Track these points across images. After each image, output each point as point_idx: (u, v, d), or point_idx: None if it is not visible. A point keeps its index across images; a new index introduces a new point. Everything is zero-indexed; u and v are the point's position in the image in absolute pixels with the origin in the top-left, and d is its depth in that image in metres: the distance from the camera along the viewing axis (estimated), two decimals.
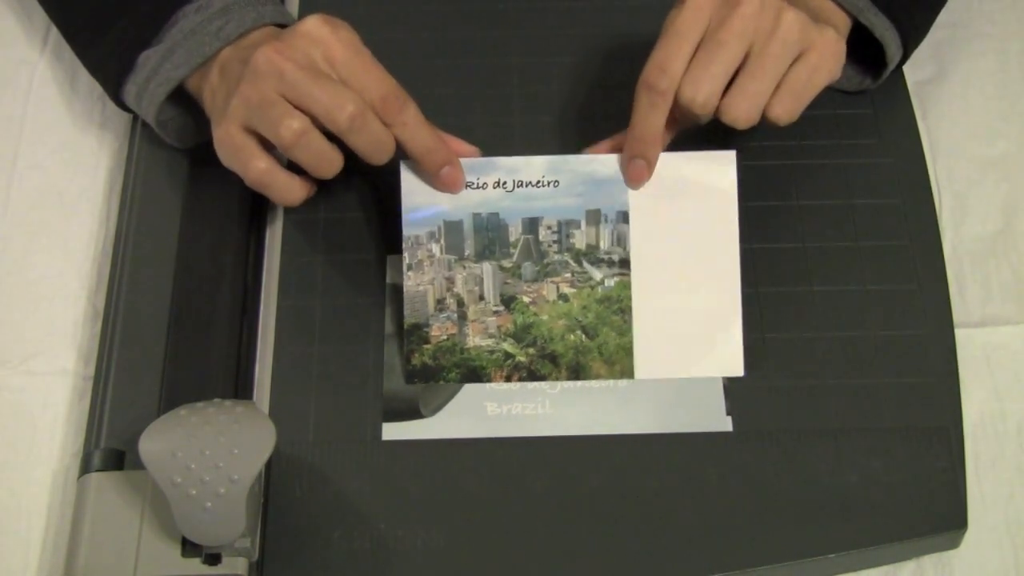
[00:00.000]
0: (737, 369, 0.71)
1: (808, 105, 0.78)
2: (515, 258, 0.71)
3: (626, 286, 0.71)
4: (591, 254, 0.71)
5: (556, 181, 0.71)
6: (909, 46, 0.75)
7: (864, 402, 0.70)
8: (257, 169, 0.69)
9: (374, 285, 0.74)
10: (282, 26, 0.73)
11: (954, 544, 0.69)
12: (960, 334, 0.73)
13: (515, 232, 0.71)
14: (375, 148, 0.68)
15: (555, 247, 0.71)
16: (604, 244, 0.71)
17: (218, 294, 0.72)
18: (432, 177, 0.70)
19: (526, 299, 0.71)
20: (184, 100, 0.74)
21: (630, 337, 0.71)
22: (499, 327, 0.71)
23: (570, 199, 0.71)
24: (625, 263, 0.71)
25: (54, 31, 0.86)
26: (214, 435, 0.60)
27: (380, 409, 0.70)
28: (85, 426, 0.70)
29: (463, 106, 0.80)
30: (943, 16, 0.81)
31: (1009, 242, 0.77)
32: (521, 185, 0.71)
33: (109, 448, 0.67)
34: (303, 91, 0.67)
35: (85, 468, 0.67)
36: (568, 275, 0.71)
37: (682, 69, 0.67)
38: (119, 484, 0.66)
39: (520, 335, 0.71)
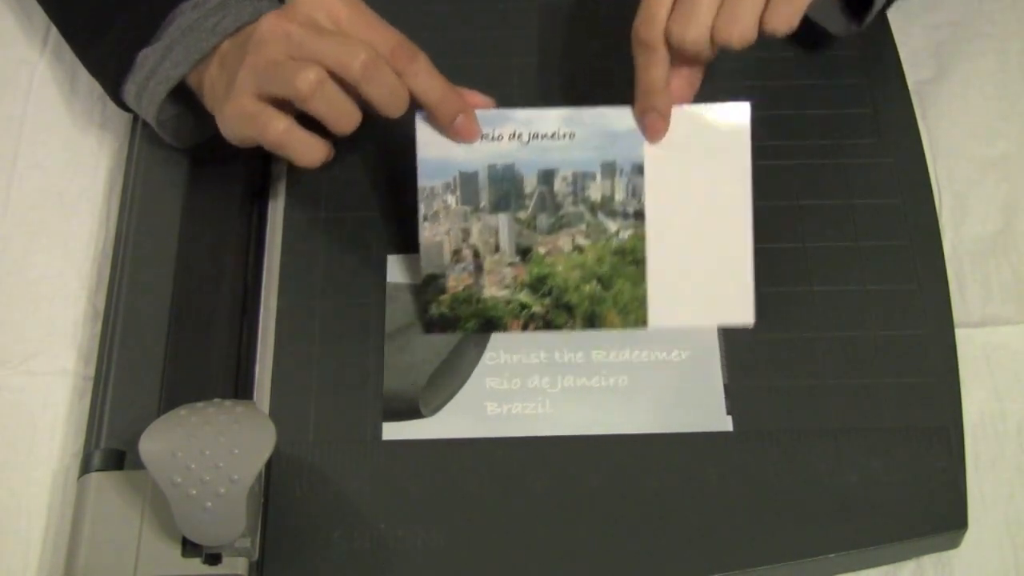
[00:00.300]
0: (747, 317, 0.72)
1: (808, 105, 0.79)
2: (530, 210, 0.72)
3: (640, 238, 0.71)
4: (606, 206, 0.71)
5: (572, 133, 0.71)
6: None
7: (864, 402, 0.70)
8: (276, 130, 0.68)
9: (374, 285, 0.74)
10: None
11: (954, 544, 0.69)
12: (960, 334, 0.73)
13: (530, 184, 0.71)
14: (390, 98, 0.68)
15: (570, 199, 0.71)
16: (619, 196, 0.71)
17: (218, 294, 0.72)
18: (446, 127, 0.70)
19: (541, 250, 0.72)
20: (184, 98, 0.74)
21: (644, 287, 0.72)
22: (515, 278, 0.72)
23: (585, 152, 0.71)
24: (640, 215, 0.71)
25: (54, 31, 0.86)
26: (214, 435, 0.60)
27: (380, 409, 0.70)
28: (85, 426, 0.70)
29: None
30: (943, 16, 0.81)
31: (1009, 242, 0.77)
32: (536, 137, 0.71)
33: (109, 448, 0.68)
34: (312, 47, 0.66)
35: (85, 468, 0.67)
36: (583, 227, 0.71)
37: (667, 15, 0.67)
38: (119, 484, 0.66)
39: (536, 286, 0.72)
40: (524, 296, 0.72)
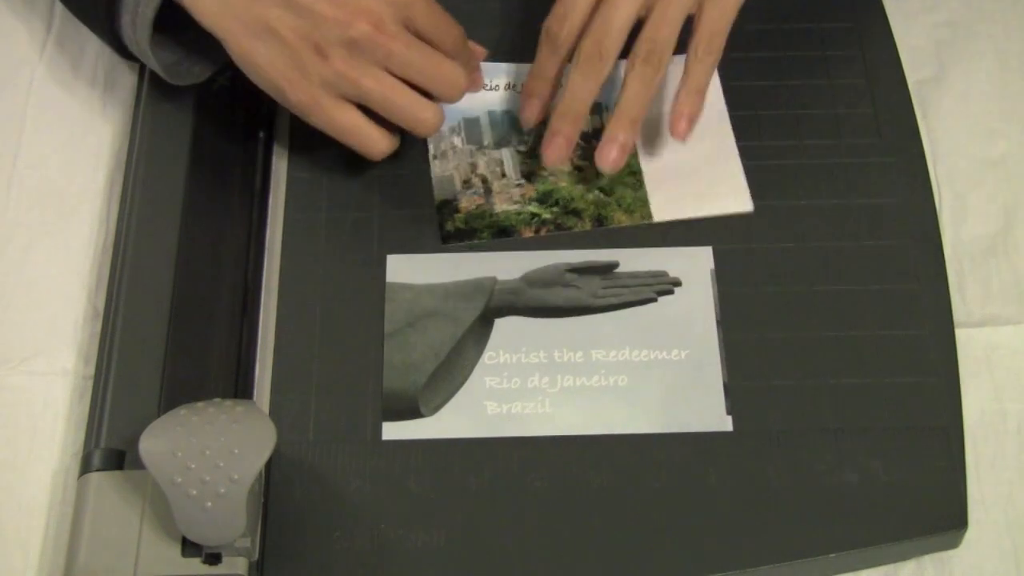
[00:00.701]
0: (746, 204, 0.76)
1: (810, 105, 0.79)
2: (531, 143, 0.78)
3: (634, 154, 0.78)
4: (598, 135, 0.76)
5: (561, 83, 0.77)
6: None
7: (864, 402, 0.70)
8: (348, 122, 0.73)
9: (374, 285, 0.74)
10: None
11: (954, 544, 0.69)
12: (960, 334, 0.73)
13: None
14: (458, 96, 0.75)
15: None
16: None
17: (218, 294, 0.72)
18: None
19: (544, 173, 0.77)
20: (180, 32, 0.73)
21: (644, 191, 0.77)
22: (523, 195, 0.77)
23: None
24: None
25: (54, 31, 0.86)
26: (214, 435, 0.60)
27: (380, 409, 0.70)
28: (85, 426, 0.70)
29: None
30: (943, 16, 0.81)
31: (1009, 242, 0.77)
32: None
33: (109, 448, 0.67)
34: (416, 70, 0.72)
35: (85, 468, 0.67)
36: (579, 151, 0.77)
37: (581, 21, 0.72)
38: (119, 484, 0.66)
39: (543, 198, 0.77)
40: (534, 207, 0.77)
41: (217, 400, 0.63)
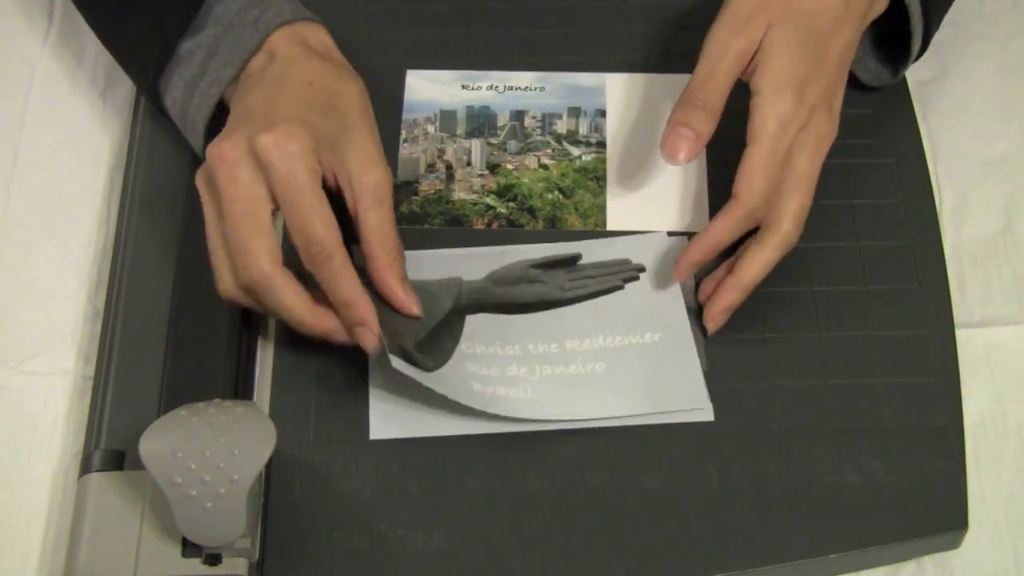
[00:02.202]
0: (701, 223, 0.74)
1: None
2: (501, 137, 0.79)
3: (602, 160, 0.78)
4: (571, 137, 0.79)
5: (542, 87, 0.81)
6: (930, 30, 0.76)
7: (864, 402, 0.70)
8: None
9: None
10: (316, 23, 0.73)
11: (954, 544, 0.69)
12: (960, 334, 0.73)
13: (503, 119, 0.80)
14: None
15: (538, 131, 0.80)
16: (583, 130, 0.80)
17: (218, 294, 0.72)
18: (347, 328, 0.67)
19: (509, 166, 0.78)
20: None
21: (603, 197, 0.77)
22: (483, 186, 0.78)
23: (554, 99, 0.81)
24: (601, 144, 0.79)
25: (54, 30, 0.86)
26: (214, 435, 0.60)
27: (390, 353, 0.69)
28: (85, 426, 0.70)
29: None
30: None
31: (1010, 242, 0.77)
32: (511, 89, 0.80)
33: (109, 448, 0.67)
34: (229, 229, 0.65)
35: (85, 468, 0.67)
36: (549, 151, 0.79)
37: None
38: (119, 484, 0.66)
39: (502, 192, 0.78)
40: (491, 200, 0.77)
41: (217, 401, 0.63)
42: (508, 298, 0.73)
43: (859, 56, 0.75)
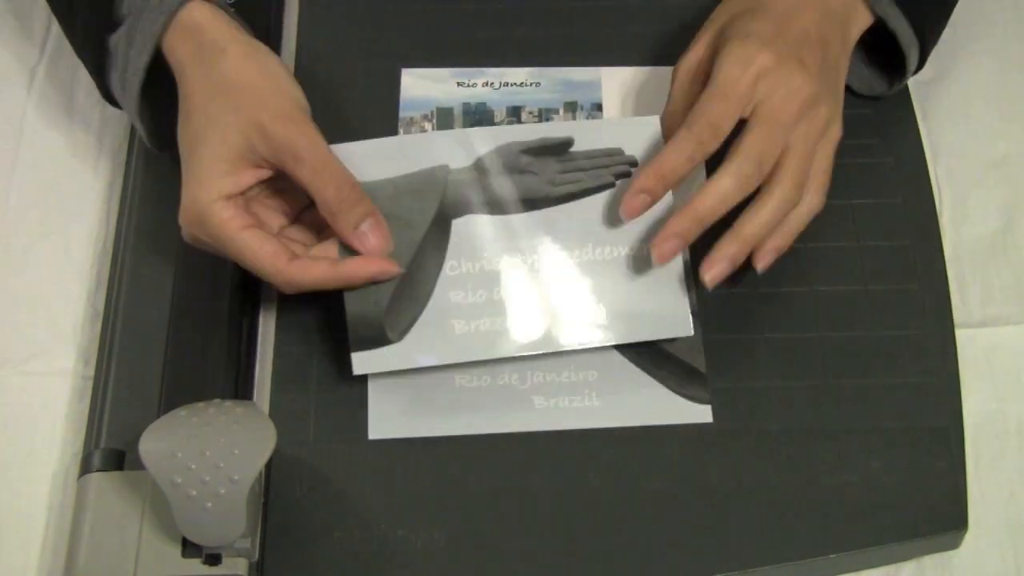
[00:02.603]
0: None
1: None
2: None
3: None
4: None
5: (538, 83, 0.80)
6: (926, 40, 0.75)
7: (864, 402, 0.70)
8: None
9: None
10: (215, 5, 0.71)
11: (954, 544, 0.69)
12: (960, 334, 0.73)
13: (500, 115, 0.79)
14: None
15: None
16: None
17: (218, 294, 0.72)
18: (364, 282, 0.68)
19: None
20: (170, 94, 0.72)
21: None
22: None
23: (550, 95, 0.80)
24: None
25: (54, 31, 0.86)
26: (214, 435, 0.60)
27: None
28: (85, 426, 0.70)
29: None
30: None
31: (1010, 242, 0.77)
32: (507, 85, 0.80)
33: (109, 448, 0.67)
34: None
35: (85, 468, 0.67)
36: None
37: (729, 129, 0.68)
38: (119, 484, 0.66)
39: None
40: None
41: (217, 401, 0.63)
42: (496, 192, 0.71)
43: (852, 65, 0.75)
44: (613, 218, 0.71)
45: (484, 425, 0.70)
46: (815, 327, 0.72)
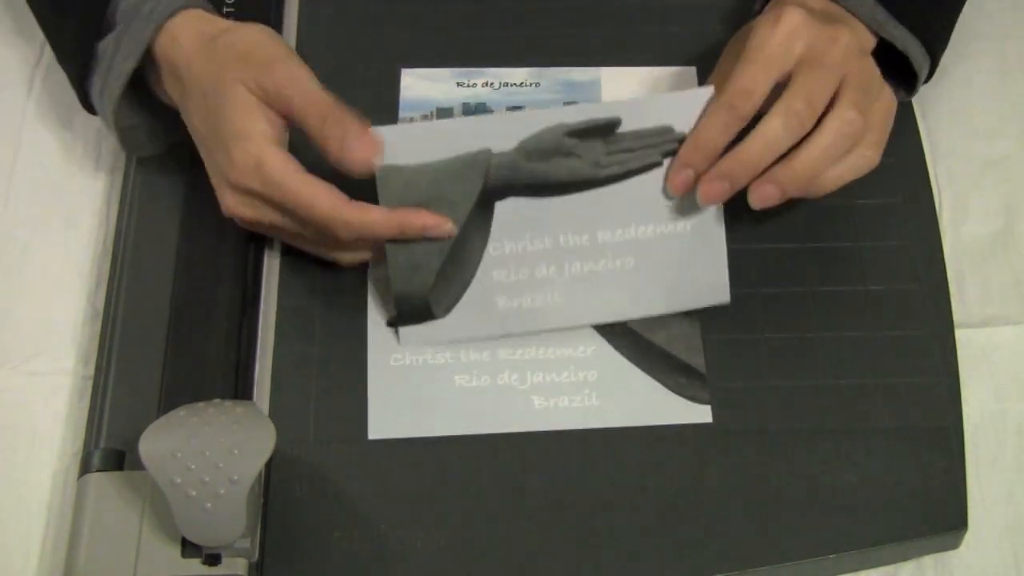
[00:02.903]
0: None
1: None
2: None
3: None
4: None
5: (538, 83, 0.80)
6: (936, 54, 0.75)
7: (864, 402, 0.70)
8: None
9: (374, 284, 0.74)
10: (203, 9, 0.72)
11: (954, 544, 0.69)
12: (960, 334, 0.73)
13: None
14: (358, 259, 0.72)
15: None
16: None
17: (218, 294, 0.72)
18: (415, 233, 0.69)
19: None
20: (142, 104, 0.73)
21: None
22: None
23: (550, 95, 0.80)
24: None
25: None
26: (214, 436, 0.60)
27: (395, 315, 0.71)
28: (85, 426, 0.70)
29: None
30: None
31: (1009, 242, 0.77)
32: (506, 85, 0.79)
33: (109, 448, 0.67)
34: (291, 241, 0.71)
35: (85, 468, 0.67)
36: None
37: (765, 94, 0.67)
38: (119, 484, 0.66)
39: None
40: None
41: (217, 401, 0.63)
42: (542, 176, 0.69)
43: None
44: (656, 196, 0.70)
45: (484, 425, 0.70)
46: (815, 327, 0.72)
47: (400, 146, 0.67)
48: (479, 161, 0.68)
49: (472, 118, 0.74)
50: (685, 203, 0.70)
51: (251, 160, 0.67)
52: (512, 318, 0.71)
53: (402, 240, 0.69)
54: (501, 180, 0.68)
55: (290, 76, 0.68)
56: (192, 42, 0.69)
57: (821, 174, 0.68)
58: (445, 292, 0.70)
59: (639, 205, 0.70)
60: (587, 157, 0.68)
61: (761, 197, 0.67)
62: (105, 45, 0.71)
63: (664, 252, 0.70)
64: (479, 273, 0.70)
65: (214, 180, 0.70)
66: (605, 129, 0.68)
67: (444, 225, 0.68)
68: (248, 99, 0.67)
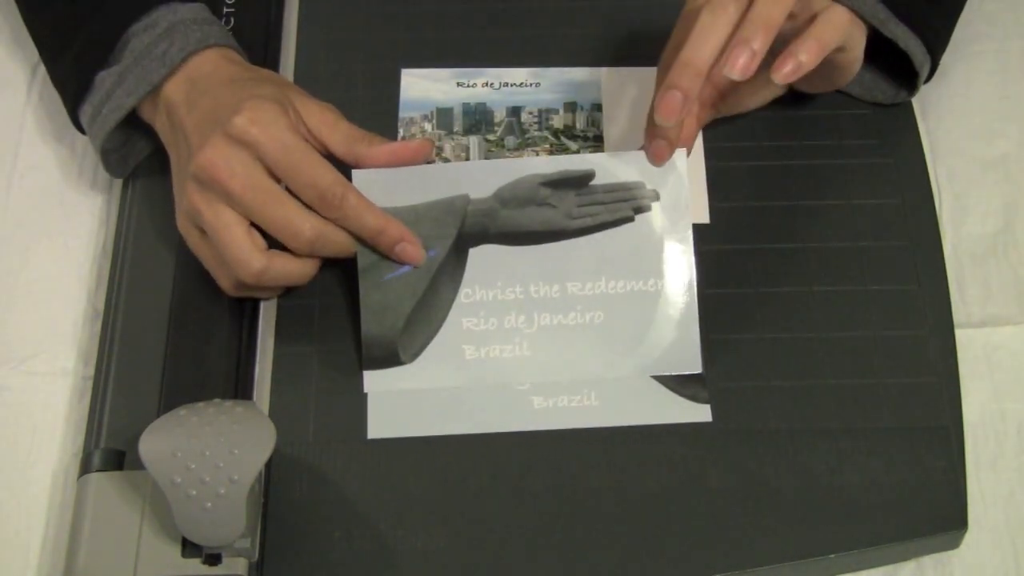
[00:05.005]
0: (699, 215, 0.74)
1: (810, 105, 0.78)
2: (499, 133, 0.79)
3: (599, 152, 0.77)
4: (568, 132, 0.79)
5: (537, 83, 0.80)
6: (936, 53, 0.75)
7: (864, 402, 0.70)
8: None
9: None
10: (226, 47, 0.73)
11: (954, 544, 0.69)
12: (960, 334, 0.73)
13: (499, 115, 0.80)
14: (341, 252, 0.70)
15: (535, 127, 0.79)
16: (580, 125, 0.79)
17: (218, 294, 0.72)
18: (388, 253, 0.70)
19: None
20: (129, 128, 0.74)
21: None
22: None
23: (550, 95, 0.80)
24: (599, 138, 0.78)
25: None
26: (214, 435, 0.61)
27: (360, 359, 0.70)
28: (85, 426, 0.70)
29: None
30: None
31: (1009, 242, 0.77)
32: (506, 85, 0.80)
33: (109, 448, 0.68)
34: (257, 215, 0.67)
35: (85, 468, 0.67)
36: (547, 146, 0.78)
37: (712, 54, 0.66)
38: (119, 484, 0.66)
39: None
40: None
41: (217, 400, 0.63)
42: (515, 224, 0.71)
43: (869, 79, 0.75)
44: (627, 252, 0.71)
45: (484, 425, 0.70)
46: (815, 327, 0.72)
47: (383, 188, 0.70)
48: (457, 206, 0.70)
49: (451, 164, 0.75)
50: (655, 258, 0.71)
51: (270, 106, 0.67)
52: (478, 368, 0.70)
53: (375, 274, 0.70)
54: (477, 226, 0.71)
55: (325, 119, 0.70)
56: (213, 73, 0.71)
57: (779, 20, 0.66)
58: (414, 337, 0.70)
59: (610, 259, 0.71)
60: (560, 207, 0.71)
61: (739, 67, 0.65)
62: (104, 76, 0.72)
63: (634, 309, 0.71)
64: (449, 318, 0.71)
65: (178, 180, 0.70)
66: (579, 181, 0.71)
67: (417, 251, 0.70)
68: (274, 105, 0.68)
